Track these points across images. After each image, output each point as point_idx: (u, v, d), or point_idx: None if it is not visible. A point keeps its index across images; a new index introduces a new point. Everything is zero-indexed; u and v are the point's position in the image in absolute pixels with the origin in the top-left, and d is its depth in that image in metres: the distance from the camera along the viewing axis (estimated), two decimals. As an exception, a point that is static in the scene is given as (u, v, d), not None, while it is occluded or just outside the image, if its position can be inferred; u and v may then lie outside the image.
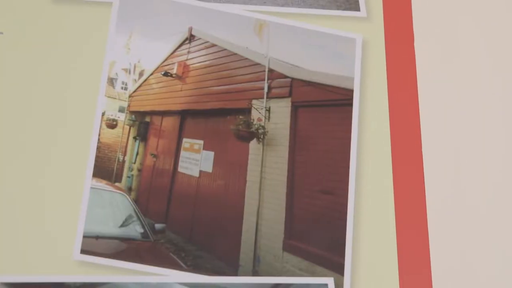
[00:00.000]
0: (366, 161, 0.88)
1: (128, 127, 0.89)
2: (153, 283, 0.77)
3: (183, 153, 0.92)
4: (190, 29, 0.92)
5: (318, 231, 0.84)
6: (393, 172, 0.88)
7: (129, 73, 0.88)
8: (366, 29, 0.95)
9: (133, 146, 0.90)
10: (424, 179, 0.88)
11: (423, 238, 0.85)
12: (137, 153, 0.91)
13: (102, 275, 0.77)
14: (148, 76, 0.91)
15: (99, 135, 0.83)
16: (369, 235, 0.84)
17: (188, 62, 0.93)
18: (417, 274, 0.83)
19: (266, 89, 0.91)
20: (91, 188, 0.81)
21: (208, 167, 0.90)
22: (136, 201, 0.85)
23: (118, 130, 0.86)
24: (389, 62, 0.94)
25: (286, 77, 0.91)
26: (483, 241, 0.86)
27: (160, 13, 0.91)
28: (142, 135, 0.92)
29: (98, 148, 0.83)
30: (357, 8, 0.96)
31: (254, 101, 0.91)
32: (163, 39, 0.90)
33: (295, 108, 0.90)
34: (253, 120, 0.90)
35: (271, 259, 0.83)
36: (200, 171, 0.91)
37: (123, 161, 0.87)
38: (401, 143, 0.90)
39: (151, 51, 0.89)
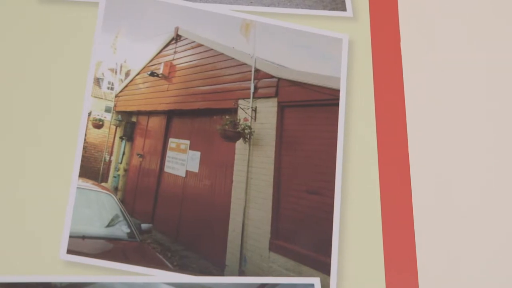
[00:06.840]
0: (352, 161, 0.88)
1: (114, 127, 0.89)
2: (140, 283, 0.77)
3: (169, 153, 0.92)
4: (177, 29, 0.92)
5: (304, 231, 0.84)
6: (379, 172, 0.88)
7: (116, 73, 0.88)
8: (353, 29, 0.95)
9: (120, 146, 0.90)
10: (410, 178, 0.89)
11: (409, 237, 0.85)
12: (124, 153, 0.91)
13: (89, 275, 0.77)
14: (135, 76, 0.91)
15: (85, 135, 0.83)
16: (356, 235, 0.84)
17: (175, 62, 0.93)
18: (403, 274, 0.83)
19: (252, 89, 0.91)
20: (78, 188, 0.81)
21: (195, 167, 0.90)
22: (122, 201, 0.85)
23: (104, 130, 0.86)
24: (376, 62, 0.94)
25: (272, 77, 0.91)
26: (469, 240, 0.87)
27: (146, 13, 0.90)
28: (129, 135, 0.92)
29: (84, 148, 0.83)
30: (343, 8, 0.96)
31: (240, 101, 0.91)
32: (149, 39, 0.90)
33: (281, 108, 0.90)
34: (240, 120, 0.90)
35: (258, 259, 0.83)
36: (187, 171, 0.91)
37: (110, 161, 0.87)
38: (387, 142, 0.90)
39: (137, 51, 0.89)
